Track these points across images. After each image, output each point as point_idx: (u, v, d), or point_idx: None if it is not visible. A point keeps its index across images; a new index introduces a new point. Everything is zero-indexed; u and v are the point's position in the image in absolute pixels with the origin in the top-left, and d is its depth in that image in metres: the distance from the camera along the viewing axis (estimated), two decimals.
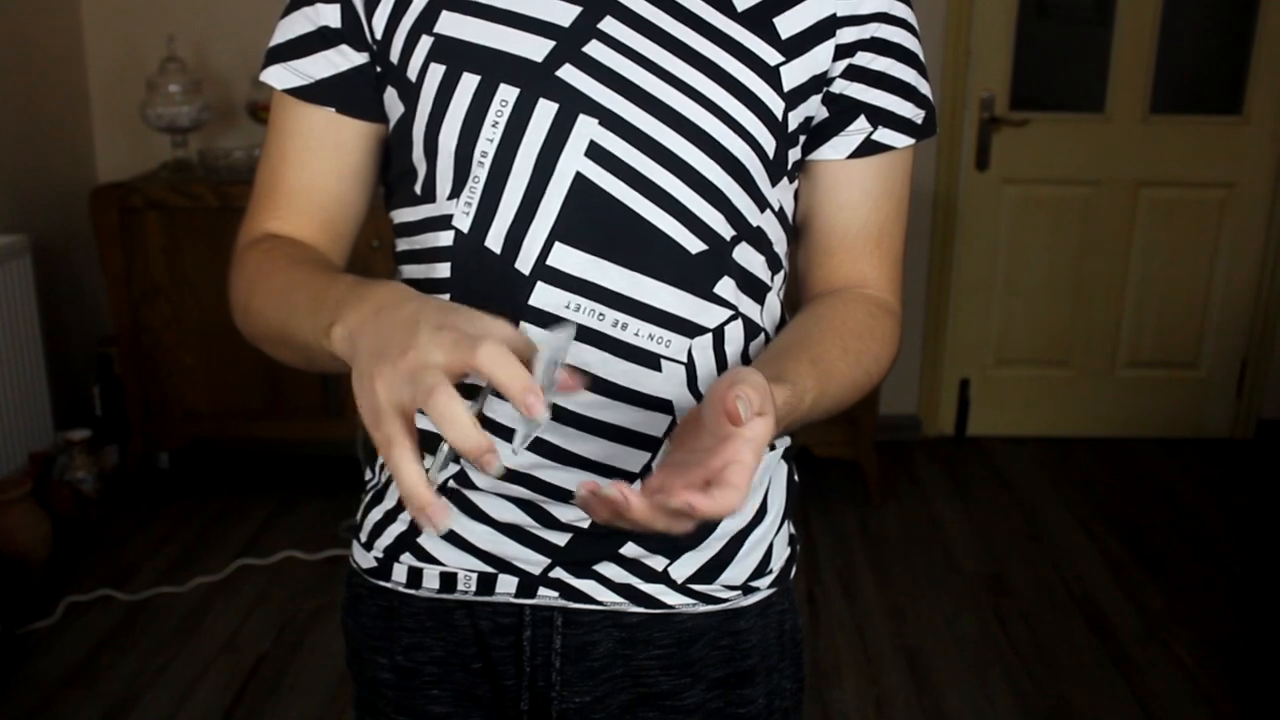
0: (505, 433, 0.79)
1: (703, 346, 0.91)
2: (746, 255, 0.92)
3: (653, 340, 0.89)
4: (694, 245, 0.89)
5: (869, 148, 0.94)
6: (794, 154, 0.93)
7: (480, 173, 0.87)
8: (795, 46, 0.89)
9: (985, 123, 3.71)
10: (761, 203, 0.92)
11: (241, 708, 2.43)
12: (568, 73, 0.86)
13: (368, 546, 1.01)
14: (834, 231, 0.96)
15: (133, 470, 3.43)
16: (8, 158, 3.26)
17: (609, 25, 0.86)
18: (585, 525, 0.93)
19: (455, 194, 0.89)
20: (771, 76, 0.88)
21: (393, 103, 0.92)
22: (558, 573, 0.95)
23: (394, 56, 0.90)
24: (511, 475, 0.90)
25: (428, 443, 0.95)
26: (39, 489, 2.95)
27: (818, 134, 0.93)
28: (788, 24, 0.88)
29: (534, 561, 0.95)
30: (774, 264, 0.96)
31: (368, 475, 1.06)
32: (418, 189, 0.92)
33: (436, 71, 0.87)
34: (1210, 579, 3.04)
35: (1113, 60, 3.69)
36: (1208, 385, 3.96)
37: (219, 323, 3.13)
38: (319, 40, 0.92)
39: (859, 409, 3.24)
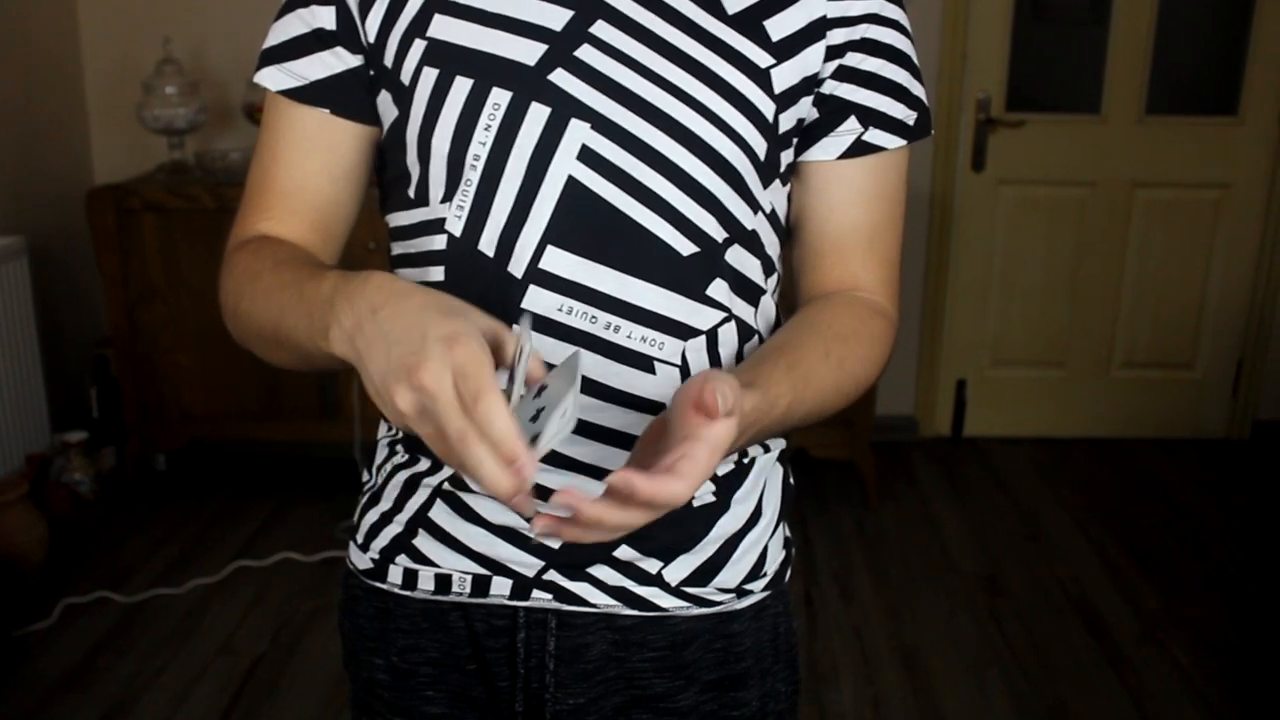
0: None
1: (696, 349, 0.91)
2: (739, 257, 0.93)
3: (645, 343, 0.89)
4: (686, 248, 0.89)
5: (860, 148, 0.94)
6: (786, 156, 0.93)
7: (473, 176, 0.88)
8: (786, 49, 0.89)
9: (981, 124, 3.71)
10: (754, 205, 0.92)
11: (239, 709, 2.43)
12: (560, 77, 0.86)
13: (364, 548, 1.01)
14: (826, 233, 0.96)
15: (130, 472, 3.43)
16: (4, 159, 3.26)
17: (600, 29, 0.87)
18: None
19: (448, 198, 0.89)
20: (762, 79, 0.88)
21: (386, 106, 0.92)
22: (551, 575, 0.95)
23: (388, 60, 0.90)
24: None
25: (422, 446, 0.96)
26: (36, 491, 2.95)
27: (809, 135, 0.94)
28: (778, 26, 0.89)
29: (528, 564, 0.95)
30: (768, 266, 0.96)
31: (365, 477, 1.06)
32: (411, 193, 0.92)
33: (430, 75, 0.88)
34: (1207, 579, 3.04)
35: (1108, 61, 3.70)
36: (1204, 386, 3.96)
37: (216, 324, 3.11)
38: (314, 42, 0.92)
39: (855, 410, 3.24)
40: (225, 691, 2.49)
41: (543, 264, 0.87)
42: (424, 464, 0.97)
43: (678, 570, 0.96)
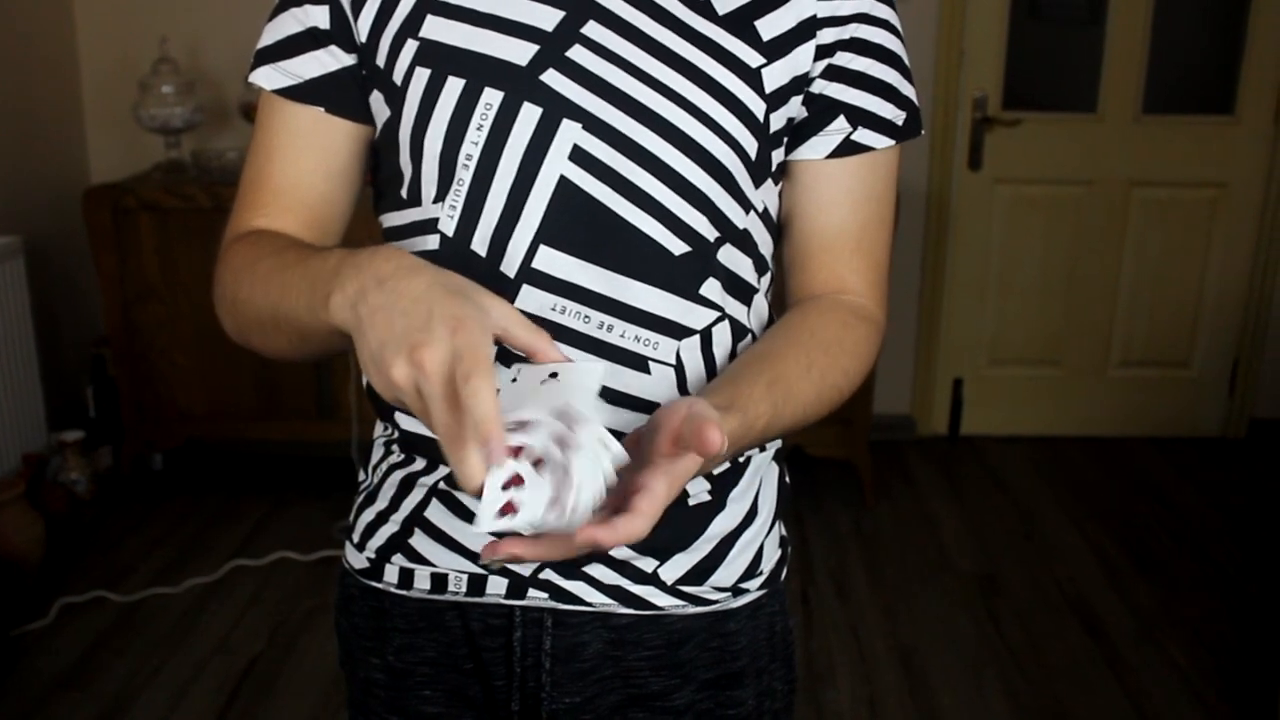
0: None
1: (690, 348, 0.91)
2: (732, 257, 0.93)
3: (639, 342, 0.89)
4: (677, 247, 0.89)
5: (848, 148, 0.93)
6: (777, 155, 0.93)
7: (465, 176, 0.88)
8: (776, 49, 0.89)
9: (978, 122, 3.71)
10: (745, 205, 0.92)
11: (235, 708, 2.43)
12: (551, 77, 0.86)
13: (360, 547, 1.02)
14: (814, 233, 0.96)
15: (126, 471, 3.42)
16: (0, 159, 3.25)
17: (592, 29, 0.87)
18: None
19: (440, 197, 0.89)
20: (753, 79, 0.88)
21: (379, 106, 0.92)
22: (547, 574, 0.95)
23: (380, 60, 0.90)
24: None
25: (418, 445, 0.96)
26: (33, 490, 2.95)
27: (798, 134, 0.94)
28: (769, 26, 0.89)
29: (523, 563, 0.95)
30: (760, 266, 0.97)
31: (361, 476, 1.06)
32: (404, 193, 0.92)
33: (422, 75, 0.88)
34: (1203, 578, 3.04)
35: (1105, 60, 3.70)
36: (1200, 384, 3.97)
37: (213, 323, 3.11)
38: (309, 40, 0.92)
39: (852, 409, 3.25)
40: (222, 691, 2.49)
41: (535, 263, 0.87)
42: (420, 463, 0.97)
43: (674, 569, 0.96)
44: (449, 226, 0.89)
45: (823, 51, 0.91)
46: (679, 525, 0.95)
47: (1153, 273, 3.86)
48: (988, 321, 3.92)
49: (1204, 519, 3.39)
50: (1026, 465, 3.78)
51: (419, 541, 0.97)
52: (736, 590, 0.99)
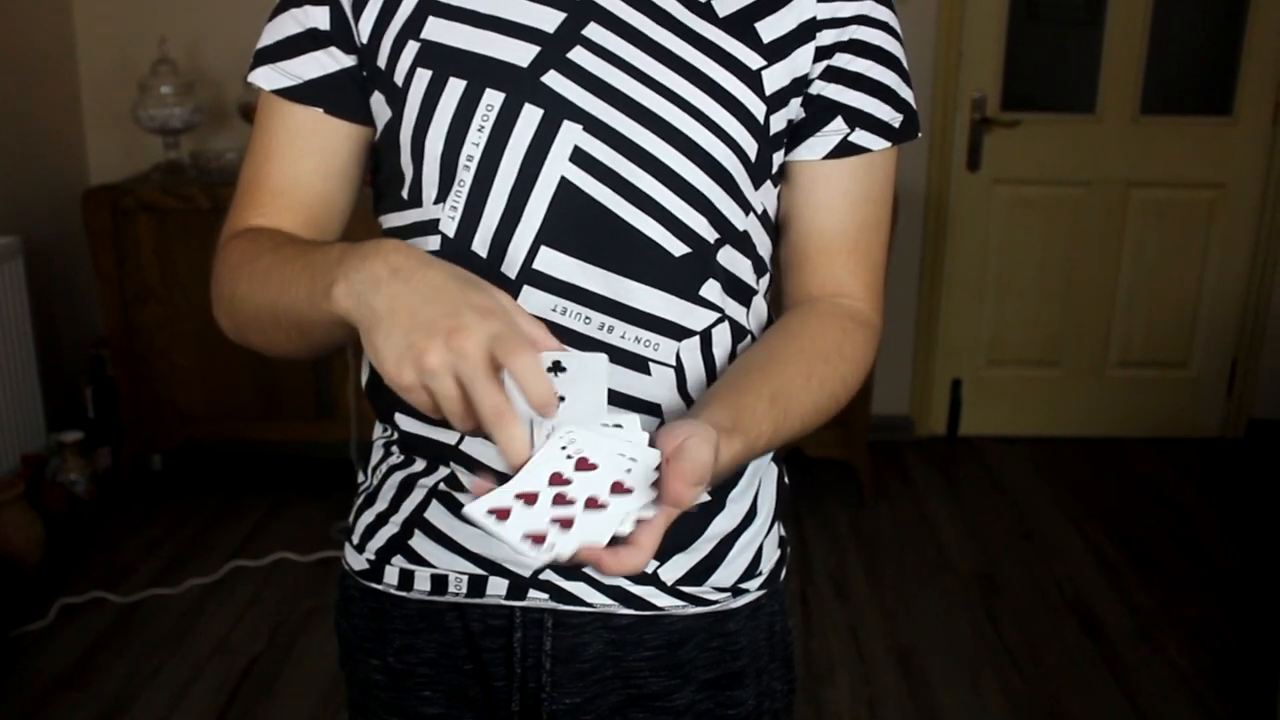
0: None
1: (690, 349, 0.91)
2: (731, 258, 0.93)
3: (640, 343, 0.89)
4: (677, 248, 0.89)
5: (845, 149, 0.94)
6: (777, 157, 0.93)
7: (466, 177, 0.88)
8: (776, 51, 0.89)
9: (976, 123, 3.71)
10: (745, 206, 0.92)
11: (235, 709, 2.43)
12: (552, 79, 0.86)
13: (360, 549, 1.02)
14: (810, 234, 0.96)
15: (125, 472, 3.42)
16: None
17: (593, 31, 0.87)
18: None
19: (441, 198, 0.89)
20: (753, 80, 0.89)
21: (380, 107, 0.92)
22: (547, 575, 0.95)
23: (381, 61, 0.90)
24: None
25: (418, 447, 0.96)
26: (32, 491, 2.94)
27: (796, 135, 0.94)
28: (769, 29, 0.89)
29: (524, 564, 0.95)
30: (759, 267, 0.97)
31: (360, 477, 1.06)
32: (404, 194, 0.92)
33: (423, 76, 0.88)
34: (1201, 578, 3.05)
35: (1103, 61, 3.71)
36: (1198, 385, 3.97)
37: (211, 324, 3.09)
38: (309, 41, 0.92)
39: (851, 410, 3.23)
40: (222, 691, 2.49)
41: (536, 264, 0.88)
42: (419, 465, 0.97)
43: (674, 569, 0.96)
44: (450, 227, 0.89)
45: (822, 53, 0.91)
46: (679, 526, 0.94)
47: (1151, 273, 3.86)
48: (986, 322, 3.92)
49: (1202, 519, 3.40)
50: (1025, 465, 3.78)
51: (419, 543, 0.97)
52: (736, 590, 1.00)
